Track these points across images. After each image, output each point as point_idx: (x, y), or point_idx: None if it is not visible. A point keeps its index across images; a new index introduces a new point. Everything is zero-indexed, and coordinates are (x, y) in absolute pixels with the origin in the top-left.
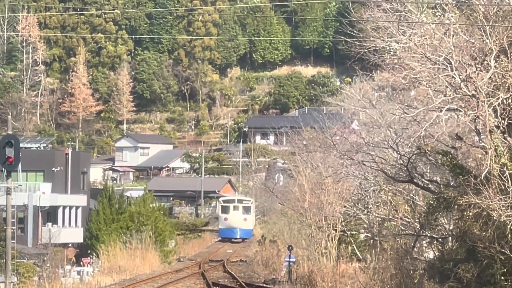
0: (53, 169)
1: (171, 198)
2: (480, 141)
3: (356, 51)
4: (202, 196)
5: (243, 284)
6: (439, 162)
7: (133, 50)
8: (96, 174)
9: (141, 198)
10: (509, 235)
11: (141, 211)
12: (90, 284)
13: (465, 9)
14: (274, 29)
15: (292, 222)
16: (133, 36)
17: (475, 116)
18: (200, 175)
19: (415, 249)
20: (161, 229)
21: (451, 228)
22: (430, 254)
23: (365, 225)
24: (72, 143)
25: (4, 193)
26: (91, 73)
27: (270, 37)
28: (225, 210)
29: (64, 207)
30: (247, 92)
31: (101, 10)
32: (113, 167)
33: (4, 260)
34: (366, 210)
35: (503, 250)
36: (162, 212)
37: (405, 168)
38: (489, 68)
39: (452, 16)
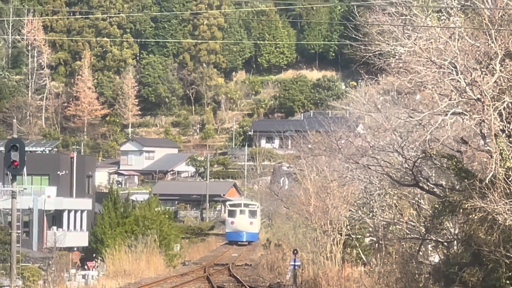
0: (58, 172)
1: (176, 202)
2: (486, 145)
3: (361, 55)
4: (208, 199)
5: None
6: (445, 166)
7: (138, 54)
8: (101, 177)
9: (146, 202)
10: None
11: (146, 215)
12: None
13: (470, 13)
14: (279, 33)
15: (297, 225)
16: (139, 40)
17: (480, 120)
18: (205, 179)
19: (420, 253)
20: (166, 233)
21: (456, 232)
22: (436, 258)
23: (370, 229)
24: (77, 146)
25: (9, 196)
26: (96, 77)
27: (275, 41)
28: (231, 214)
29: (69, 211)
30: (252, 96)
31: (106, 14)
32: (118, 171)
33: (9, 263)
34: (371, 214)
35: (508, 254)
36: (167, 216)
37: (410, 172)
38: (494, 72)
39: (457, 20)
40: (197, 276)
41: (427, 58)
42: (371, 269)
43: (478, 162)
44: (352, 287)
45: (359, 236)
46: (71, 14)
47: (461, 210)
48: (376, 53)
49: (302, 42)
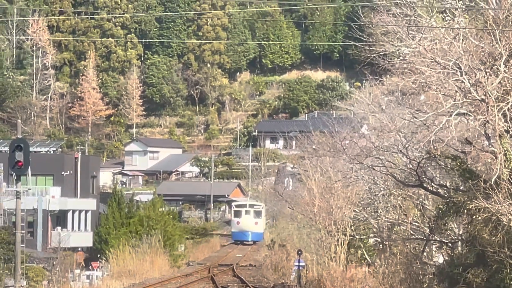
0: (63, 173)
1: (181, 202)
2: (490, 146)
3: (365, 55)
4: (212, 200)
5: None
6: (449, 166)
7: (142, 54)
8: (105, 178)
9: (150, 202)
10: None
11: (151, 215)
12: None
13: (474, 14)
14: (283, 33)
15: (302, 226)
16: (143, 40)
17: (484, 120)
18: (209, 179)
19: (425, 253)
20: (171, 233)
21: (460, 232)
22: (440, 259)
23: (374, 230)
24: (82, 147)
25: (14, 197)
26: (100, 77)
27: (280, 41)
28: (237, 214)
29: (73, 211)
30: (257, 96)
31: (111, 14)
32: (123, 171)
33: (14, 264)
34: (375, 215)
35: None
36: (171, 216)
37: (415, 173)
38: (498, 72)
39: (461, 21)
40: (201, 276)
41: (431, 59)
42: (376, 270)
43: (483, 163)
44: None
45: (364, 237)
46: (77, 14)
47: (465, 211)
48: (381, 53)
49: (306, 43)
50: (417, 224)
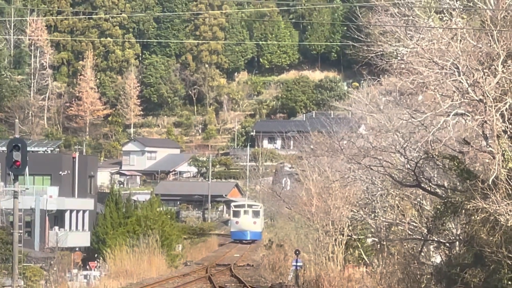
0: (60, 172)
1: (178, 202)
2: (488, 146)
3: (363, 55)
4: (209, 200)
5: None
6: (447, 166)
7: (140, 54)
8: (103, 178)
9: (148, 202)
10: None
11: (148, 215)
12: None
13: (472, 14)
14: (281, 33)
15: (299, 226)
16: (141, 40)
17: (482, 121)
18: (207, 179)
19: (422, 253)
20: (168, 233)
21: (458, 232)
22: (437, 259)
23: (372, 230)
24: (79, 147)
25: (12, 196)
26: (98, 77)
27: (278, 41)
28: (236, 214)
29: (71, 211)
30: (255, 96)
31: (109, 14)
32: (120, 171)
33: (11, 263)
34: (373, 215)
35: (510, 255)
36: (169, 216)
37: (413, 173)
38: (496, 73)
39: (459, 21)
40: (199, 276)
41: (429, 59)
42: (373, 270)
43: (480, 163)
44: None
45: (361, 237)
46: (76, 14)
47: (463, 211)
48: (378, 53)
49: (304, 43)
50: (414, 224)
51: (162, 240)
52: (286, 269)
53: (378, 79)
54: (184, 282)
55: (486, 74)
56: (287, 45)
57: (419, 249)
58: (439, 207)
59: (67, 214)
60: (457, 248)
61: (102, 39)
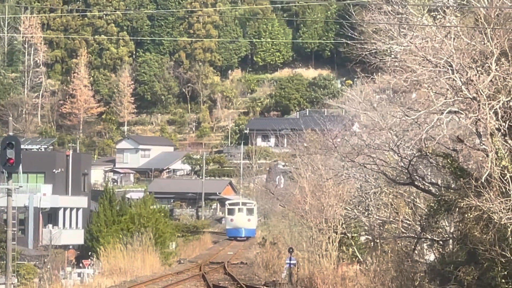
0: (54, 170)
1: (172, 200)
2: (481, 144)
3: (357, 53)
4: (203, 198)
5: (244, 286)
6: (440, 164)
7: (134, 52)
8: (97, 175)
9: (141, 200)
10: (510, 238)
11: (142, 213)
12: (91, 286)
13: (466, 12)
14: (275, 31)
15: (293, 224)
16: (135, 38)
17: (476, 118)
18: (201, 177)
19: (416, 251)
20: (162, 231)
21: (452, 230)
22: (431, 257)
23: (365, 228)
24: (73, 144)
25: (5, 194)
26: (92, 75)
27: (271, 39)
28: (231, 212)
29: (64, 209)
30: (248, 94)
31: (103, 12)
32: (114, 169)
33: (5, 261)
34: (366, 213)
35: (503, 252)
36: (162, 214)
37: (406, 171)
38: (490, 71)
39: (453, 19)
40: (192, 274)
41: (423, 57)
42: (367, 268)
43: (474, 161)
44: (348, 286)
45: (355, 235)
46: (69, 11)
47: (456, 209)
48: (372, 51)
49: (298, 41)
50: (408, 222)
51: (156, 238)
52: (280, 267)
53: (372, 77)
54: (177, 280)
55: (479, 72)
56: (280, 43)
57: (413, 247)
58: (433, 205)
59: (60, 212)
60: (451, 246)
61: (96, 36)
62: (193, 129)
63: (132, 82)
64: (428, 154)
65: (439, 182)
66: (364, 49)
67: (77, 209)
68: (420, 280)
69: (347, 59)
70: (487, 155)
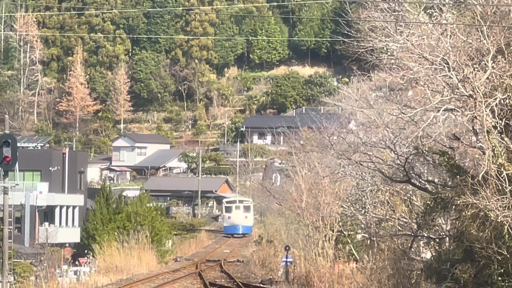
0: (50, 168)
1: (168, 198)
2: (478, 142)
3: (353, 51)
4: (199, 196)
5: (240, 284)
6: (437, 162)
7: (130, 50)
8: (93, 173)
9: (138, 198)
10: (506, 236)
11: (138, 211)
12: (87, 284)
13: (462, 10)
14: (271, 29)
15: (289, 222)
16: (131, 36)
17: (472, 116)
18: (197, 175)
19: (412, 249)
20: (158, 229)
21: (448, 228)
22: (427, 255)
23: (362, 225)
24: (69, 142)
25: (1, 192)
26: (88, 73)
27: (268, 37)
28: (228, 209)
29: (61, 207)
30: (245, 92)
31: (99, 10)
32: (110, 167)
33: (1, 259)
34: (363, 210)
35: (500, 250)
36: (159, 212)
37: (403, 168)
38: (486, 68)
39: (449, 17)
40: (189, 272)
41: (419, 55)
42: (363, 266)
43: (470, 159)
44: (344, 284)
45: (351, 233)
46: (65, 9)
47: (453, 207)
48: (368, 49)
49: (294, 38)
50: (404, 220)
51: (152, 236)
52: (276, 265)
53: (368, 75)
54: (174, 278)
55: (476, 69)
56: (277, 41)
57: (409, 244)
58: (429, 202)
59: (57, 210)
60: (447, 244)
61: (92, 34)
62: (189, 127)
63: (128, 80)
64: (424, 152)
65: (436, 180)
66: (361, 47)
67: (74, 207)
68: (416, 278)
69: (343, 57)
70: (484, 153)
